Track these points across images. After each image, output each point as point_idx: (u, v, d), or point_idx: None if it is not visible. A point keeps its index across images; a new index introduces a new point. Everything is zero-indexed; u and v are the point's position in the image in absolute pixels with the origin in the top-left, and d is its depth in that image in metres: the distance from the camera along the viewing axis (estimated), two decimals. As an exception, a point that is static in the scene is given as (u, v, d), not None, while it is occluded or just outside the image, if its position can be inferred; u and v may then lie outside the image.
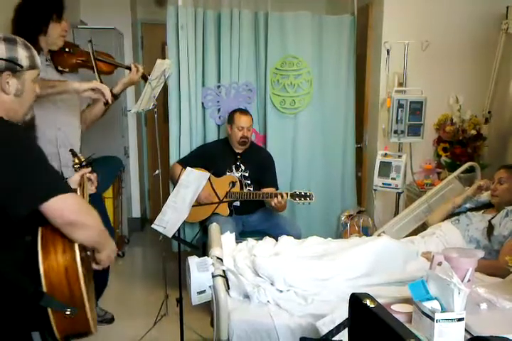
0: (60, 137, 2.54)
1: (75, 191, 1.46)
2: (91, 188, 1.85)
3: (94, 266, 1.56)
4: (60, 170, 2.50)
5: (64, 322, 1.32)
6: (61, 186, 1.37)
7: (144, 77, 2.77)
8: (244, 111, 3.40)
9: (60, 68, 2.56)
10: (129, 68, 2.67)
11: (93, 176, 1.85)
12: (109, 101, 2.42)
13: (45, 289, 1.29)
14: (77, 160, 1.90)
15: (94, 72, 2.58)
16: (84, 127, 2.76)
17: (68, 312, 1.29)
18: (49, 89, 2.31)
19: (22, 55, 1.42)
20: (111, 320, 3.00)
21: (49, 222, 1.34)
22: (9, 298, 1.32)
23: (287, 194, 3.08)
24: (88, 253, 1.51)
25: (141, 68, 2.69)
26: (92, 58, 2.55)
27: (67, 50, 2.56)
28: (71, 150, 1.99)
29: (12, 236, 1.36)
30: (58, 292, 1.31)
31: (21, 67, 1.42)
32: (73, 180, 1.79)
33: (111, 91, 2.62)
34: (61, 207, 1.32)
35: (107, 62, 2.68)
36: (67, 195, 1.34)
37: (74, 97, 2.60)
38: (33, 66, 1.46)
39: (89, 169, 1.84)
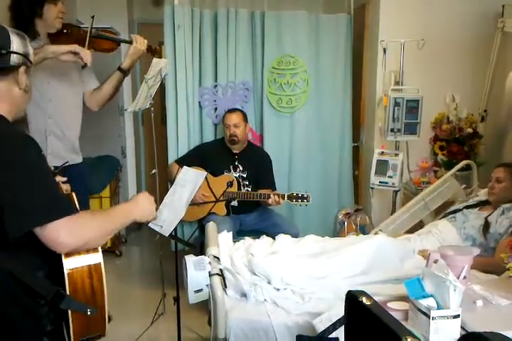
0: (49, 125, 2.51)
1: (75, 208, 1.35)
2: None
3: None
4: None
5: (82, 324, 1.31)
6: (58, 208, 1.25)
7: (150, 50, 2.71)
8: (232, 110, 3.42)
9: None
10: (130, 42, 2.61)
11: (67, 187, 1.72)
12: (88, 64, 2.35)
13: (68, 290, 1.27)
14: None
15: (95, 50, 2.54)
16: (96, 108, 2.72)
17: (89, 313, 1.28)
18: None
19: (31, 50, 1.41)
20: (108, 320, 2.99)
21: None
22: (22, 304, 1.29)
23: (284, 196, 3.09)
24: None
25: (142, 40, 2.61)
26: (88, 36, 2.49)
27: (64, 31, 2.52)
28: None
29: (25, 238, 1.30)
30: (81, 291, 1.29)
31: (31, 62, 1.42)
32: None
33: (119, 67, 2.60)
34: (57, 236, 1.22)
35: (108, 39, 2.62)
36: (63, 221, 1.23)
37: (70, 86, 2.59)
38: (32, 61, 1.45)
39: (65, 178, 1.73)
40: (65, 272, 1.28)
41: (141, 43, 2.60)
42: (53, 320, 1.33)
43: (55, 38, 2.52)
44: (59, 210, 1.26)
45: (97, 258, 1.33)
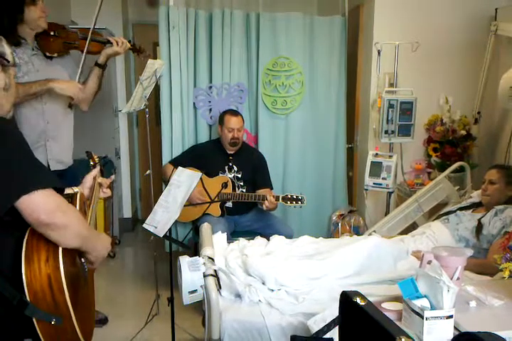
0: (48, 129, 2.52)
1: (53, 186, 1.33)
2: (104, 191, 1.82)
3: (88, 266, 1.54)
4: (47, 163, 2.51)
5: (50, 332, 1.29)
6: (35, 181, 1.27)
7: (135, 50, 2.78)
8: (235, 112, 3.40)
9: (48, 54, 2.52)
10: (110, 43, 2.65)
11: (102, 180, 1.80)
12: (75, 100, 2.50)
13: (28, 298, 1.26)
14: (91, 162, 1.90)
15: (82, 52, 2.58)
16: (86, 107, 2.73)
17: (53, 322, 1.26)
18: (31, 89, 2.34)
19: (8, 51, 1.43)
20: (104, 321, 2.97)
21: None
22: None
23: (279, 197, 3.09)
24: (83, 259, 1.48)
25: (122, 41, 2.67)
26: (85, 50, 2.55)
27: (51, 33, 2.51)
28: (87, 152, 1.97)
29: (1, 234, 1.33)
30: (42, 301, 1.27)
31: (8, 62, 1.43)
32: (85, 181, 1.76)
33: (96, 62, 2.64)
34: (33, 206, 1.24)
35: (97, 41, 2.64)
36: (41, 192, 1.25)
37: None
38: (14, 63, 1.48)
39: (98, 169, 1.82)
40: (24, 279, 1.25)
41: (120, 46, 2.65)
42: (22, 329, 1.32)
43: (44, 39, 2.50)
44: (39, 181, 1.28)
45: (56, 266, 1.29)
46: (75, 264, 1.41)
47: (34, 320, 1.26)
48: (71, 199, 1.54)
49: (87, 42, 2.55)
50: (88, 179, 1.77)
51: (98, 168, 1.83)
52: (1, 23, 2.34)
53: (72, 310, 1.29)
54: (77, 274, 1.41)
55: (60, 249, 1.31)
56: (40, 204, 1.25)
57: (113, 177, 1.91)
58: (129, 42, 2.74)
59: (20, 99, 2.31)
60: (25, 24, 2.40)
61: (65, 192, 1.53)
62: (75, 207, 1.53)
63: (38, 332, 1.28)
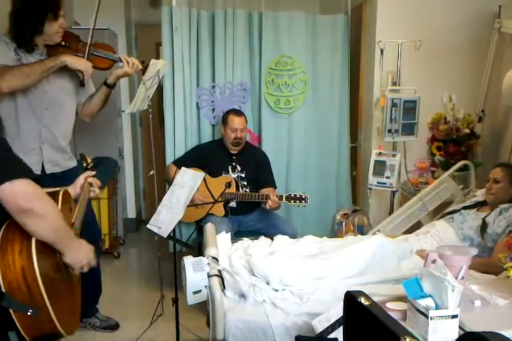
0: (44, 133, 2.52)
1: (31, 177, 1.39)
2: (92, 189, 1.88)
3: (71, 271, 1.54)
4: (41, 164, 2.52)
5: (28, 323, 1.32)
6: (16, 171, 1.33)
7: (145, 71, 2.75)
8: (238, 113, 3.39)
9: None
10: (121, 61, 2.63)
11: (92, 179, 1.87)
12: (85, 82, 2.51)
13: (4, 289, 1.29)
14: (85, 163, 1.98)
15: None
16: (88, 119, 2.76)
17: (29, 313, 1.30)
18: (45, 66, 2.36)
19: None
20: (115, 327, 2.94)
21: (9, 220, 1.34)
22: None
23: (282, 196, 3.09)
24: None
25: (135, 61, 2.64)
26: (86, 57, 2.53)
27: (62, 43, 2.52)
28: (81, 155, 2.03)
29: None
30: (17, 291, 1.31)
31: None
32: (77, 181, 1.83)
33: (105, 81, 2.64)
34: (14, 193, 1.29)
35: (104, 58, 2.62)
36: (21, 181, 1.31)
37: (66, 95, 2.60)
38: None
39: (94, 172, 1.90)
40: None
41: (131, 68, 2.63)
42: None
43: (53, 49, 2.51)
44: (19, 171, 1.34)
45: (30, 257, 1.33)
46: (53, 256, 1.44)
47: (11, 311, 1.30)
48: (53, 196, 1.56)
49: (87, 52, 2.54)
50: (81, 179, 1.85)
51: (93, 172, 1.91)
52: (21, 32, 2.38)
53: (47, 300, 1.33)
54: (56, 266, 1.44)
55: (33, 240, 1.35)
56: (20, 191, 1.31)
57: (99, 182, 1.95)
58: (142, 63, 2.72)
59: (39, 75, 2.34)
60: (42, 35, 2.43)
61: (48, 190, 1.56)
62: (57, 203, 1.56)
63: (16, 322, 1.32)
